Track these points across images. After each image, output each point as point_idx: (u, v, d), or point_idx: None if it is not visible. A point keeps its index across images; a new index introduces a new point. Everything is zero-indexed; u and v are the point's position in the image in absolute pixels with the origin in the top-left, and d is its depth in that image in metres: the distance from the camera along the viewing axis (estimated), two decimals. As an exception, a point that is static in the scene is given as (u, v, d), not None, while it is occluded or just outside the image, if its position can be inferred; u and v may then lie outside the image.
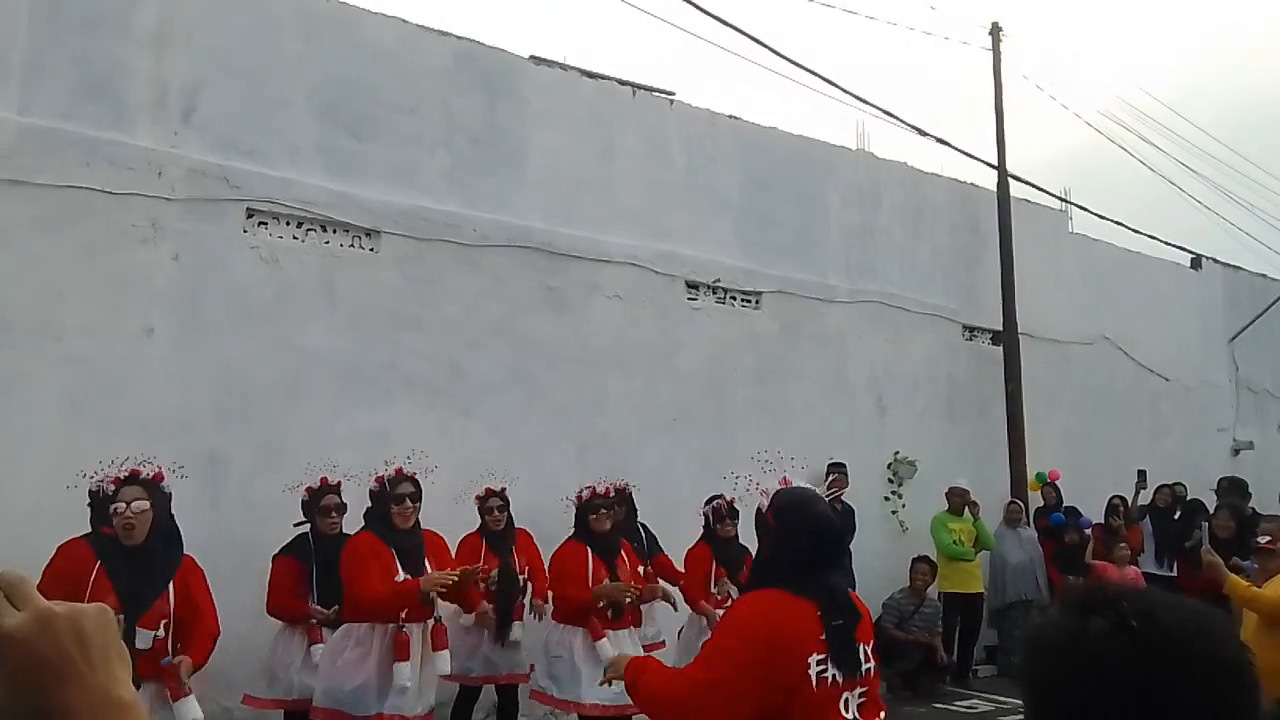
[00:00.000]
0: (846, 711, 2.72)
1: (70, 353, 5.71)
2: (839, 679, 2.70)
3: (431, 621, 4.82)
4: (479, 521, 6.23)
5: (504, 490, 6.20)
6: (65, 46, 5.89)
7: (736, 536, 6.29)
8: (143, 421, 5.70)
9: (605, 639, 5.33)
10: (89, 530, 4.07)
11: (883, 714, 2.90)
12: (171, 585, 3.95)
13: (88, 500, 4.06)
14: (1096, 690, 1.05)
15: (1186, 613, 1.09)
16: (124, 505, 3.86)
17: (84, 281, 5.80)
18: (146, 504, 3.91)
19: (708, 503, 6.44)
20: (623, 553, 5.64)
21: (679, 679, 2.82)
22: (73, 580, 3.78)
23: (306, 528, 5.53)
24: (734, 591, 6.11)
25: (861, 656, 2.79)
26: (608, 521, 5.60)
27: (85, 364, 5.74)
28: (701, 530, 6.41)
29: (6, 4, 5.73)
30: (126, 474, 3.99)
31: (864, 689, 2.77)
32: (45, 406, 5.61)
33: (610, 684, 3.40)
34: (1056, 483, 10.21)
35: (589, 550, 5.51)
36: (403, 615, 4.58)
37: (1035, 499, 10.27)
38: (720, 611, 6.00)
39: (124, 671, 0.87)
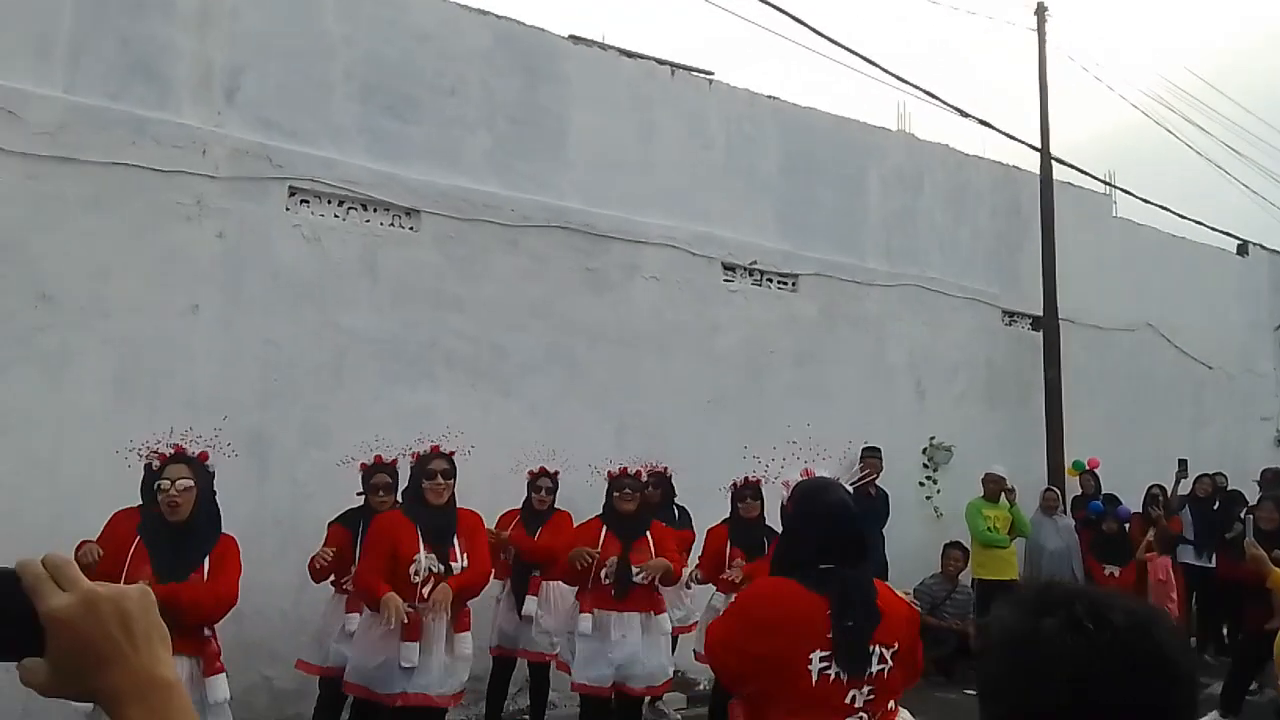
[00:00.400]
0: (854, 703, 2.68)
1: (118, 330, 5.79)
2: (843, 677, 2.65)
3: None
4: (523, 498, 6.33)
5: (556, 474, 6.30)
6: (111, 26, 5.94)
7: (761, 517, 6.28)
8: (189, 399, 5.79)
9: (589, 615, 5.34)
10: (141, 503, 4.14)
11: (892, 704, 2.85)
12: (207, 561, 4.00)
13: (142, 475, 4.12)
14: (1044, 688, 1.08)
15: (1136, 614, 1.12)
16: (169, 483, 3.92)
17: (131, 259, 5.87)
18: (190, 482, 3.97)
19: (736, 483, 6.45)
20: (649, 535, 5.53)
21: (709, 637, 2.95)
22: (115, 550, 3.90)
23: (362, 500, 5.61)
24: (736, 575, 6.11)
25: (874, 659, 2.69)
26: (631, 503, 5.52)
27: (132, 341, 5.82)
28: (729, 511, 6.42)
29: (55, -17, 5.79)
30: (172, 452, 4.04)
31: (872, 687, 2.71)
32: (94, 383, 5.70)
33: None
34: (1095, 471, 10.10)
35: (604, 528, 5.49)
36: (422, 594, 4.55)
37: (1073, 487, 10.17)
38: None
39: (165, 651, 0.89)
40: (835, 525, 2.78)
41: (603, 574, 5.33)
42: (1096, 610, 1.09)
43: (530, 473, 6.34)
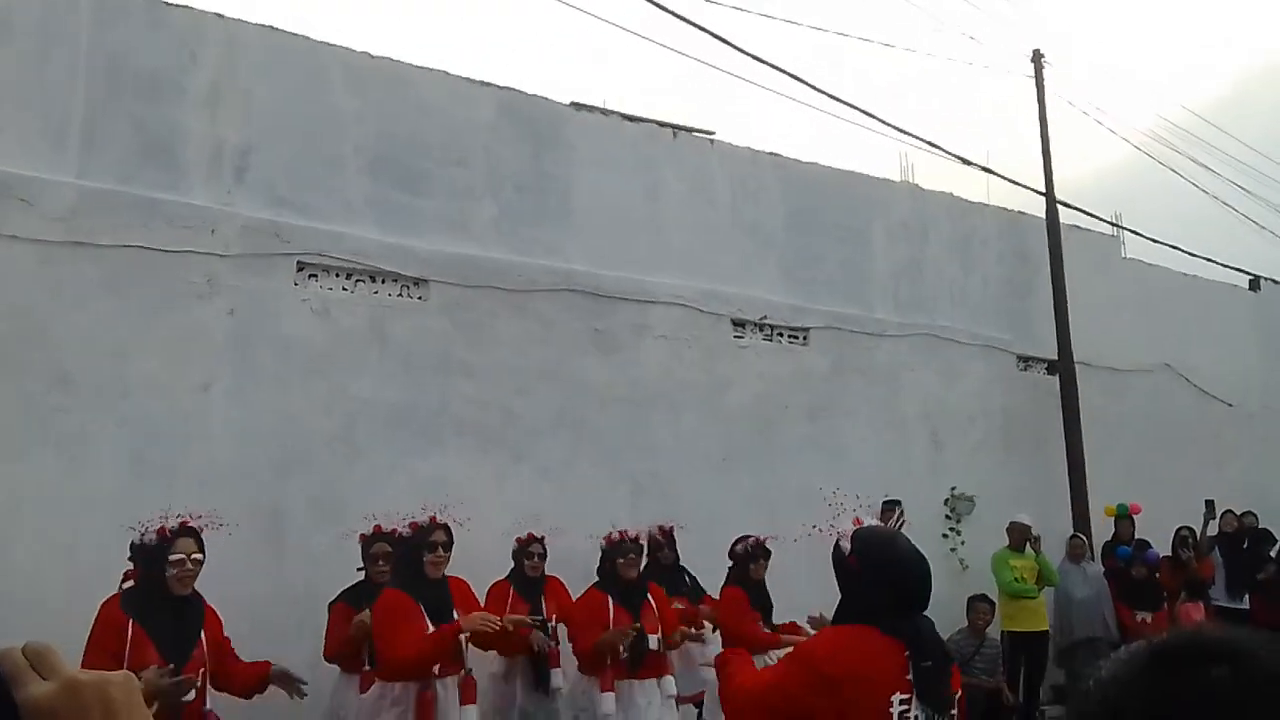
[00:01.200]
0: None
1: (135, 410, 5.84)
2: (922, 719, 2.72)
3: (462, 673, 4.70)
4: (512, 567, 6.16)
5: (544, 538, 6.15)
6: (123, 109, 6.09)
7: (763, 579, 6.21)
8: (204, 476, 5.80)
9: (611, 693, 5.14)
10: (121, 584, 4.07)
11: None
12: (203, 634, 3.98)
13: (128, 553, 4.06)
14: None
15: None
16: (183, 556, 3.90)
17: (145, 339, 5.94)
18: (200, 555, 3.97)
19: (738, 543, 6.32)
20: (650, 598, 5.43)
21: (753, 679, 2.92)
22: (112, 644, 3.77)
23: (363, 574, 5.55)
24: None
25: (951, 700, 2.80)
26: (634, 569, 5.41)
27: (149, 420, 5.87)
28: (729, 572, 6.29)
29: (64, 69, 5.95)
30: (178, 525, 4.02)
31: None
32: (110, 464, 5.73)
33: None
34: (1135, 516, 9.91)
35: (610, 598, 5.35)
36: (435, 669, 4.49)
37: (1101, 533, 10.00)
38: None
39: None
40: (915, 572, 2.86)
41: (620, 650, 5.19)
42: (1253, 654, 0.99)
43: (519, 540, 6.14)
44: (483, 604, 5.52)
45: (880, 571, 2.84)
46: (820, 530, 3.07)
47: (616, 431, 7.60)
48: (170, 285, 6.06)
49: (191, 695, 3.82)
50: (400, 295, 6.94)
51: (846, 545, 2.93)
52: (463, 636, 4.51)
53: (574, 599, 5.83)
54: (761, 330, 8.67)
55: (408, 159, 7.05)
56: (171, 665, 3.73)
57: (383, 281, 6.86)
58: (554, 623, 5.93)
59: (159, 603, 3.88)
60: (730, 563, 6.24)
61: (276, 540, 6.14)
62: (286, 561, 6.15)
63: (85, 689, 0.84)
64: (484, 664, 5.52)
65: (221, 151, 6.38)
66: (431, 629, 4.55)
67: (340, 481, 6.41)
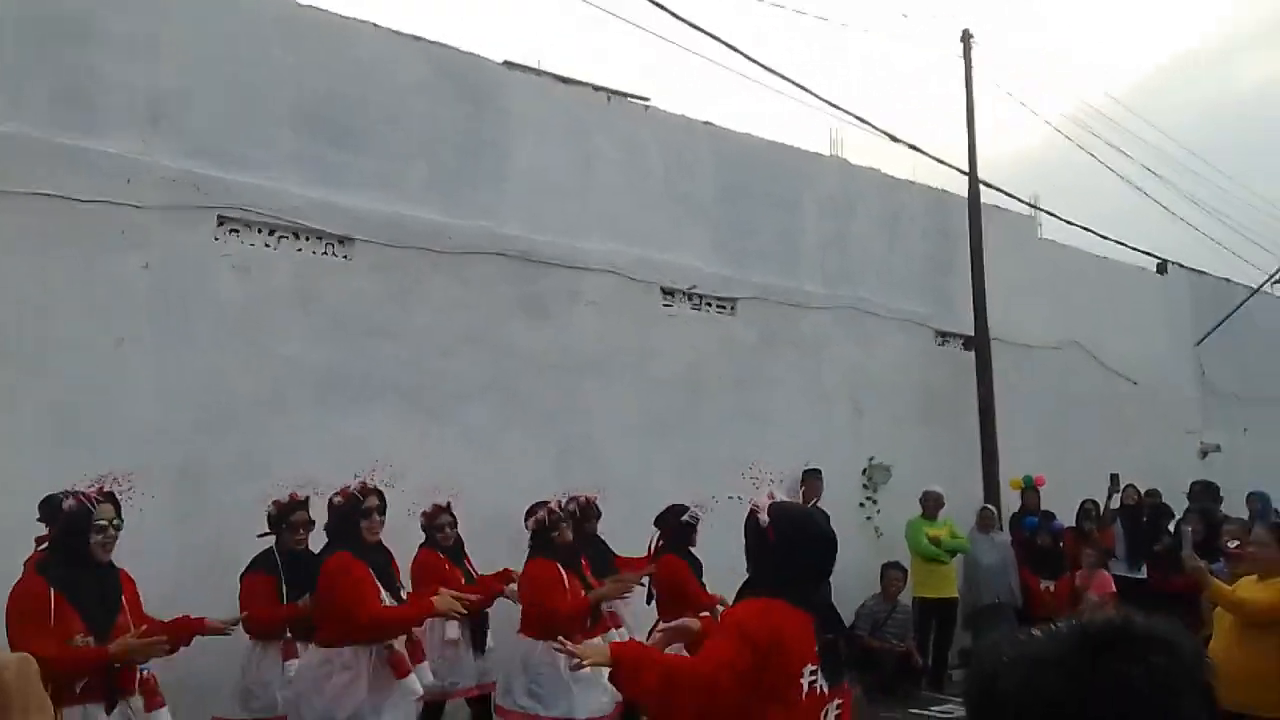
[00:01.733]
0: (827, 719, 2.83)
1: (51, 366, 5.62)
2: (825, 689, 2.82)
3: (403, 639, 4.75)
4: (425, 538, 6.12)
5: (450, 505, 6.15)
6: (40, 53, 5.79)
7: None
8: (126, 434, 5.62)
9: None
10: (36, 548, 3.94)
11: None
12: (123, 599, 3.92)
13: (38, 514, 3.95)
14: None
15: (1188, 638, 1.07)
16: (106, 523, 3.81)
17: (62, 292, 5.71)
18: (120, 521, 3.88)
19: (673, 511, 6.31)
20: (582, 560, 5.71)
21: (695, 662, 2.88)
22: (35, 615, 3.65)
23: (271, 541, 5.46)
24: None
25: (844, 668, 2.92)
26: (569, 535, 5.66)
27: (66, 377, 5.65)
28: (658, 542, 6.31)
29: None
30: (103, 490, 3.92)
31: (841, 700, 2.90)
32: (31, 422, 5.52)
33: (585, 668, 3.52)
34: (1040, 488, 10.28)
35: (557, 564, 5.50)
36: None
37: (1009, 504, 10.36)
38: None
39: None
40: (829, 552, 2.98)
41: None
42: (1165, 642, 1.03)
43: (425, 513, 6.08)
44: (411, 574, 5.55)
45: (794, 545, 2.92)
46: (742, 500, 3.13)
47: (545, 397, 7.59)
48: (88, 237, 5.81)
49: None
50: (326, 254, 6.78)
51: (764, 518, 2.99)
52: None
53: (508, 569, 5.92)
54: (690, 299, 8.71)
55: (336, 114, 6.87)
56: (93, 635, 3.65)
57: (307, 239, 6.70)
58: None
59: (80, 570, 3.78)
60: (658, 529, 6.28)
61: (198, 499, 5.99)
62: (205, 521, 6.01)
63: None
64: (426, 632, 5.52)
65: (141, 99, 6.12)
66: (386, 597, 4.58)
67: (263, 442, 6.27)
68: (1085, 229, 12.37)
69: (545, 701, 5.29)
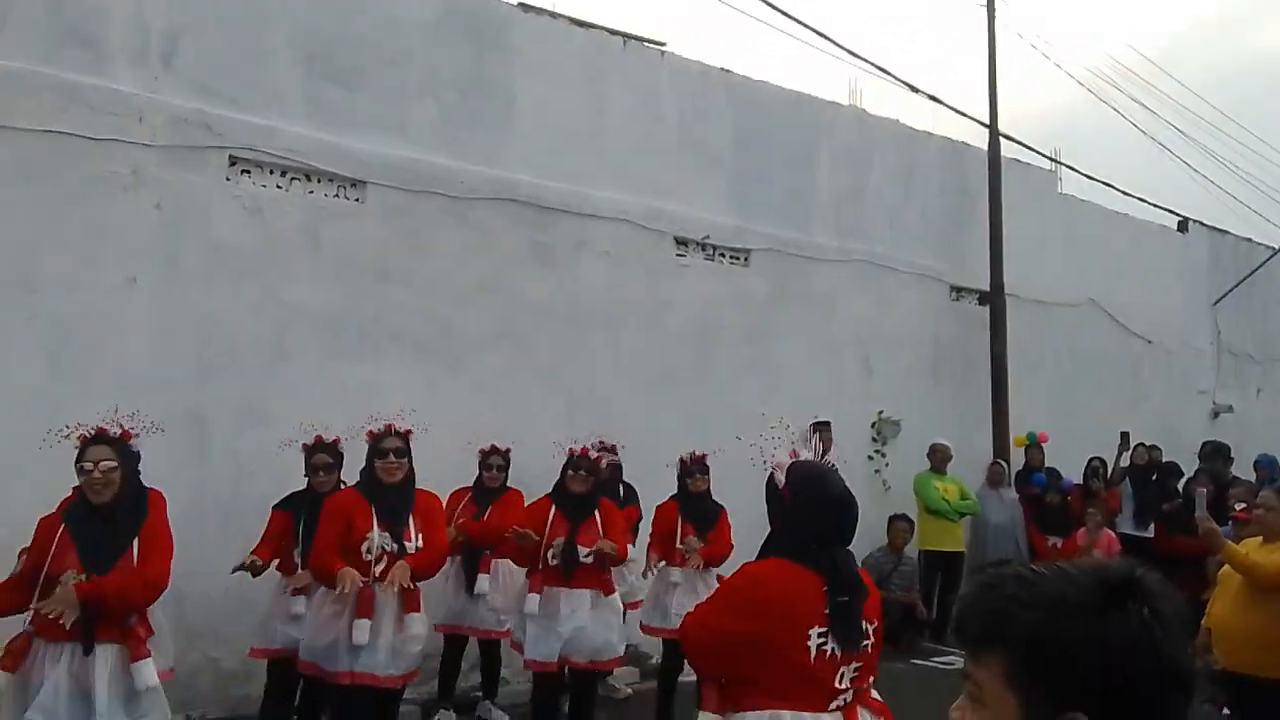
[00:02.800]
0: (840, 683, 2.81)
1: (47, 306, 5.58)
2: (838, 652, 2.78)
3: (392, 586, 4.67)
4: (474, 476, 6.29)
5: (508, 451, 6.26)
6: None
7: (707, 492, 6.33)
8: (123, 377, 5.59)
9: (536, 594, 5.32)
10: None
11: (872, 679, 2.96)
12: (136, 543, 3.87)
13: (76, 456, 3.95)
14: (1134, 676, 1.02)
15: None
16: (91, 465, 3.80)
17: (59, 231, 5.65)
18: (114, 463, 3.84)
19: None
20: (597, 515, 5.48)
21: (686, 626, 2.99)
22: (42, 545, 3.78)
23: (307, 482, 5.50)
24: (696, 546, 6.13)
25: (863, 633, 2.85)
26: (583, 484, 5.49)
27: (63, 318, 5.61)
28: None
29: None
30: (93, 433, 3.90)
31: (859, 663, 2.86)
32: (23, 363, 5.49)
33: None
34: (1043, 445, 10.27)
35: (553, 507, 5.46)
36: (374, 572, 4.49)
37: (1018, 460, 10.35)
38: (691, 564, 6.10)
39: None
40: (846, 512, 2.93)
41: (549, 554, 5.30)
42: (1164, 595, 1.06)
43: (481, 450, 6.28)
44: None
45: (810, 506, 2.90)
46: (755, 462, 3.09)
47: (555, 347, 7.55)
48: (92, 175, 5.74)
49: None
50: (336, 196, 6.71)
51: (781, 477, 2.96)
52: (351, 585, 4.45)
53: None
54: (704, 250, 8.63)
55: (344, 54, 6.75)
56: (84, 574, 3.68)
57: (318, 181, 6.62)
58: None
59: (87, 509, 3.81)
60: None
61: (200, 445, 6.00)
62: (210, 466, 6.03)
63: None
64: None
65: (149, 36, 6.01)
66: (376, 533, 4.56)
67: (268, 387, 6.26)
68: (1106, 185, 12.21)
69: (529, 646, 5.31)
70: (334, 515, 4.63)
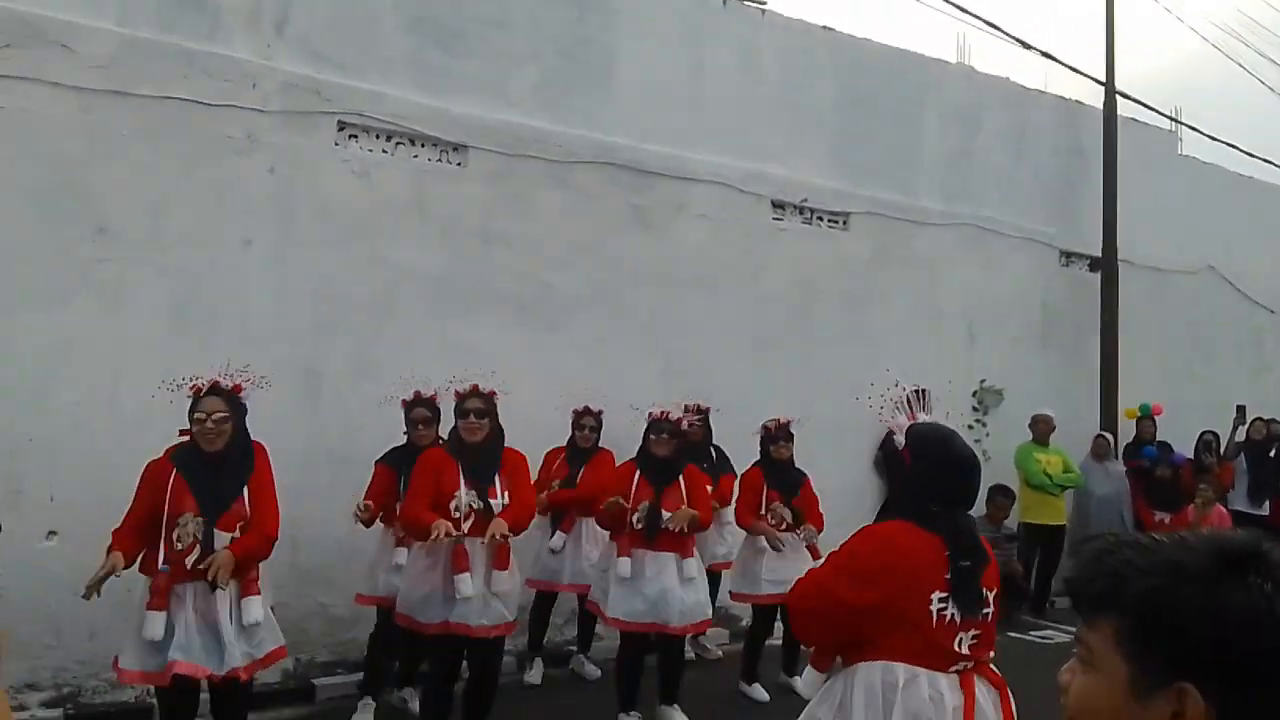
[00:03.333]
0: (960, 648, 2.78)
1: (174, 262, 5.86)
2: (958, 618, 2.75)
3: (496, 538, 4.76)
4: (568, 436, 6.41)
5: (600, 413, 6.41)
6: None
7: (791, 459, 6.31)
8: (242, 331, 5.86)
9: (627, 558, 5.33)
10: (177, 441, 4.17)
11: (991, 654, 2.92)
12: (246, 490, 4.06)
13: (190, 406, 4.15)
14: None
15: None
16: (205, 415, 3.98)
17: (185, 192, 5.92)
18: (226, 414, 4.03)
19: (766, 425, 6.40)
20: (681, 480, 5.49)
21: (796, 590, 2.93)
22: (155, 491, 3.95)
23: (406, 438, 5.68)
24: (787, 515, 6.12)
25: (983, 599, 2.80)
26: (666, 448, 5.50)
27: (188, 274, 5.89)
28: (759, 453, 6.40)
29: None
30: (208, 385, 4.09)
31: (978, 631, 2.81)
32: (150, 315, 5.79)
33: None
34: (1156, 417, 9.91)
35: (638, 472, 5.49)
36: (465, 529, 4.60)
37: (1126, 433, 10.02)
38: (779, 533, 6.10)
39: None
40: (969, 474, 2.91)
41: (634, 519, 5.37)
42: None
43: (575, 411, 6.42)
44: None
45: (931, 467, 2.86)
46: (880, 420, 3.07)
47: (651, 309, 7.60)
48: (210, 139, 5.99)
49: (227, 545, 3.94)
50: (440, 161, 6.85)
51: (900, 439, 2.93)
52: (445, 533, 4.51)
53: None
54: (802, 213, 8.53)
55: (448, 18, 6.84)
56: (203, 517, 3.88)
57: (422, 145, 6.77)
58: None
59: (199, 457, 3.99)
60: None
61: (312, 399, 6.24)
62: (321, 419, 6.27)
63: None
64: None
65: (261, 4, 6.21)
66: (463, 490, 4.68)
67: (375, 344, 6.47)
68: (1229, 146, 11.61)
69: (612, 606, 5.38)
70: (424, 472, 4.74)
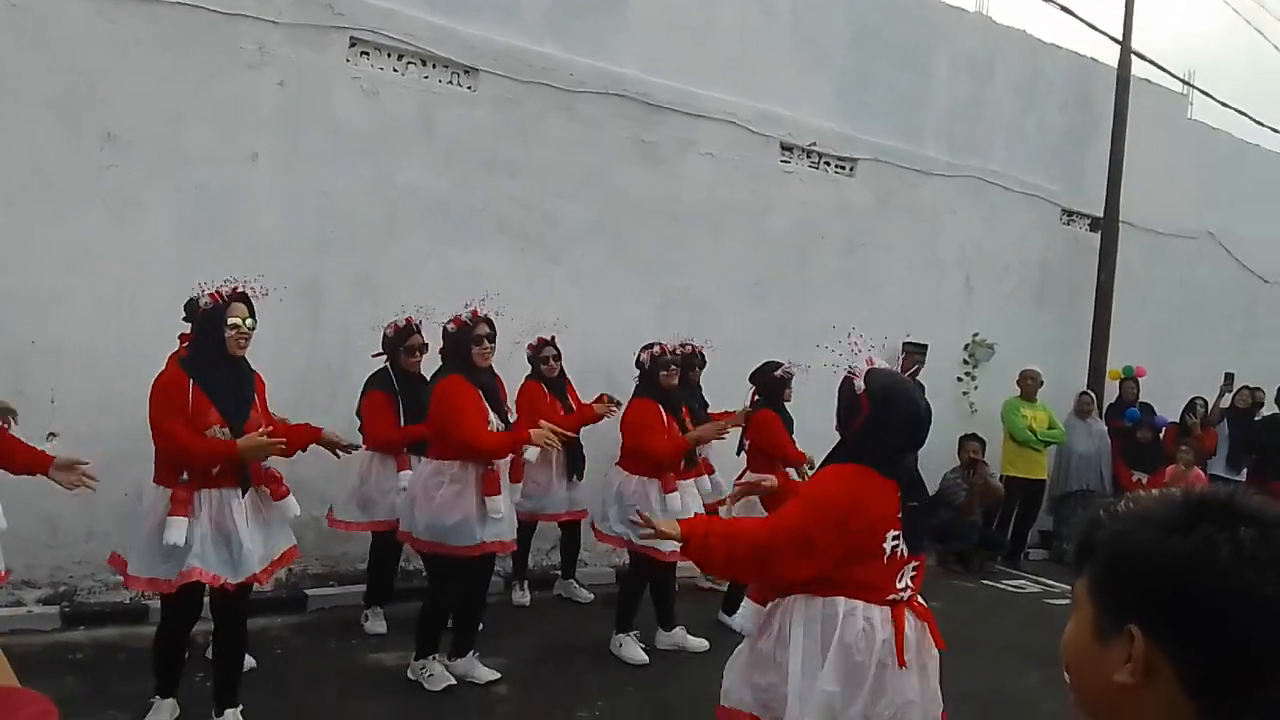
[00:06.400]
0: (899, 583, 2.97)
1: (184, 173, 5.84)
2: (905, 553, 2.95)
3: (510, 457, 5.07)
4: (529, 370, 6.40)
5: (555, 339, 6.39)
6: None
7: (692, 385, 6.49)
8: (251, 243, 5.87)
9: (676, 492, 5.54)
10: (181, 345, 4.16)
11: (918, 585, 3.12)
12: (255, 397, 4.15)
13: (183, 313, 4.13)
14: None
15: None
16: (239, 321, 4.01)
17: (197, 103, 5.87)
18: (253, 321, 4.08)
19: (766, 367, 6.25)
20: (683, 408, 5.88)
21: (756, 532, 2.98)
22: (176, 404, 3.91)
23: (383, 360, 5.74)
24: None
25: (923, 535, 3.03)
26: (675, 378, 5.77)
27: (198, 185, 5.88)
28: (753, 396, 6.32)
29: None
30: (237, 291, 4.11)
31: (916, 564, 3.03)
32: (161, 224, 5.79)
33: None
34: (1139, 379, 10.04)
35: (660, 405, 5.68)
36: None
37: (1110, 393, 10.15)
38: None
39: None
40: (921, 424, 3.01)
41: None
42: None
43: (531, 346, 6.38)
44: (516, 402, 5.80)
45: (888, 413, 2.95)
46: (838, 369, 3.14)
47: (653, 245, 7.61)
48: (223, 50, 5.93)
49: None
50: (450, 83, 6.80)
51: (859, 384, 3.02)
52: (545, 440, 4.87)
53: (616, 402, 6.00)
54: (809, 157, 8.51)
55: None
56: (228, 427, 3.93)
57: (433, 67, 6.71)
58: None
59: (219, 364, 4.00)
60: (753, 384, 6.37)
61: (313, 314, 6.29)
62: (322, 334, 6.32)
63: None
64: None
65: (276, -90, 6.10)
66: (493, 418, 4.82)
67: (377, 264, 6.49)
68: (1240, 112, 11.54)
69: (637, 532, 5.51)
70: (467, 399, 4.80)
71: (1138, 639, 1.01)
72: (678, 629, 5.83)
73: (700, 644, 5.79)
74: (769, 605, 3.06)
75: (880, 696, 2.86)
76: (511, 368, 6.07)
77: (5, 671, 0.76)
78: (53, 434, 5.44)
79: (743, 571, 3.12)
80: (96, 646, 5.21)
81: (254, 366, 4.25)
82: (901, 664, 2.88)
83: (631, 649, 5.61)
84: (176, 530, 3.86)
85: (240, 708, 4.20)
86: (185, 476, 3.93)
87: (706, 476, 6.14)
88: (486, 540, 4.80)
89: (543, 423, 4.98)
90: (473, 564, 4.84)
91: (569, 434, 5.38)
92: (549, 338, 6.39)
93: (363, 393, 5.73)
